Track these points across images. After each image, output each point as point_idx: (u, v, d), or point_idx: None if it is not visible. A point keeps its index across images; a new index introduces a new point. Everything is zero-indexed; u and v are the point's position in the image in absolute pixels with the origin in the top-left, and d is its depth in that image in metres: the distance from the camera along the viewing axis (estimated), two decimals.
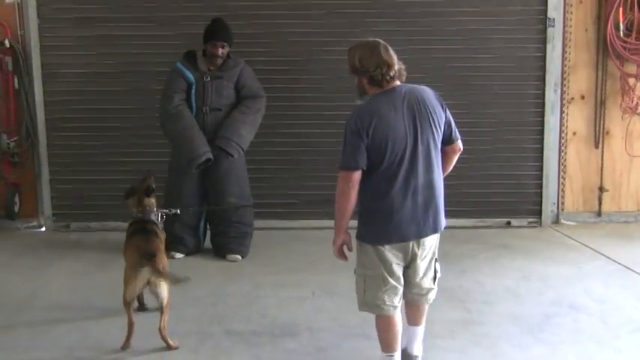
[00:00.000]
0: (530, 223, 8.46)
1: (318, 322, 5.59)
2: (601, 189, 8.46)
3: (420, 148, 4.18)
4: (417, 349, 4.69)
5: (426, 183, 4.23)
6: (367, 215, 4.28)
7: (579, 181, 8.50)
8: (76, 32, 8.17)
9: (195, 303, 5.97)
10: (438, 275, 4.54)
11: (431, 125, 4.21)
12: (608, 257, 7.20)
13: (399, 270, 4.34)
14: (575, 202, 8.54)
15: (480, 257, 7.18)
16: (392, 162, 4.14)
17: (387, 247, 4.26)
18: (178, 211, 6.34)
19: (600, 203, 8.50)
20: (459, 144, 4.49)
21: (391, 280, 4.31)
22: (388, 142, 4.10)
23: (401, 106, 4.16)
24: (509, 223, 8.44)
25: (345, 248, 4.35)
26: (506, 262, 7.08)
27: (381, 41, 4.27)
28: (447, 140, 4.38)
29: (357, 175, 4.15)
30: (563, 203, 8.50)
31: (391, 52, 4.23)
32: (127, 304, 5.06)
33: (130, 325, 5.07)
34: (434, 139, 4.24)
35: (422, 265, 4.40)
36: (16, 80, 8.14)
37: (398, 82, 4.27)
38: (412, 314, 4.65)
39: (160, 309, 5.02)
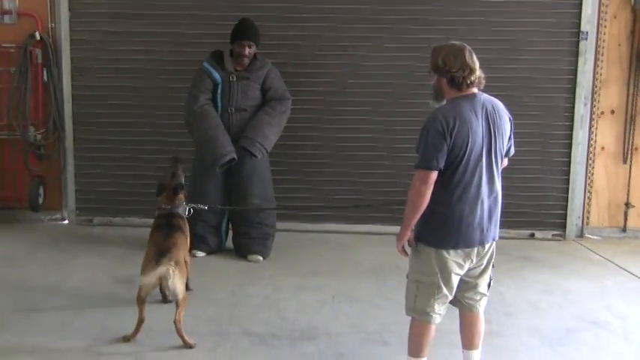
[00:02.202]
0: (554, 235, 8.38)
1: (337, 327, 5.57)
2: (627, 205, 8.38)
3: (493, 157, 4.20)
4: None
5: (493, 192, 4.25)
6: (435, 219, 4.20)
7: (605, 195, 8.42)
8: (106, 27, 8.19)
9: (215, 303, 5.97)
10: (492, 283, 4.52)
11: (502, 136, 4.24)
12: (632, 273, 7.13)
13: (455, 280, 4.30)
14: (600, 217, 8.46)
15: (501, 269, 7.04)
16: (466, 167, 4.12)
17: (451, 252, 4.22)
18: (206, 207, 6.34)
19: (626, 219, 8.43)
20: (507, 160, 4.50)
21: (445, 289, 4.27)
22: (468, 146, 4.08)
23: (480, 113, 4.16)
24: (532, 235, 8.38)
25: (406, 245, 4.33)
26: (529, 275, 7.02)
27: (467, 46, 4.26)
28: (504, 153, 4.40)
29: (435, 176, 4.09)
30: (588, 217, 8.42)
31: (475, 57, 4.23)
32: (139, 300, 5.09)
33: (140, 321, 5.11)
34: (501, 149, 4.27)
35: (480, 271, 4.39)
36: (45, 73, 8.17)
37: (475, 90, 4.26)
38: (467, 328, 4.59)
39: (176, 303, 5.05)
